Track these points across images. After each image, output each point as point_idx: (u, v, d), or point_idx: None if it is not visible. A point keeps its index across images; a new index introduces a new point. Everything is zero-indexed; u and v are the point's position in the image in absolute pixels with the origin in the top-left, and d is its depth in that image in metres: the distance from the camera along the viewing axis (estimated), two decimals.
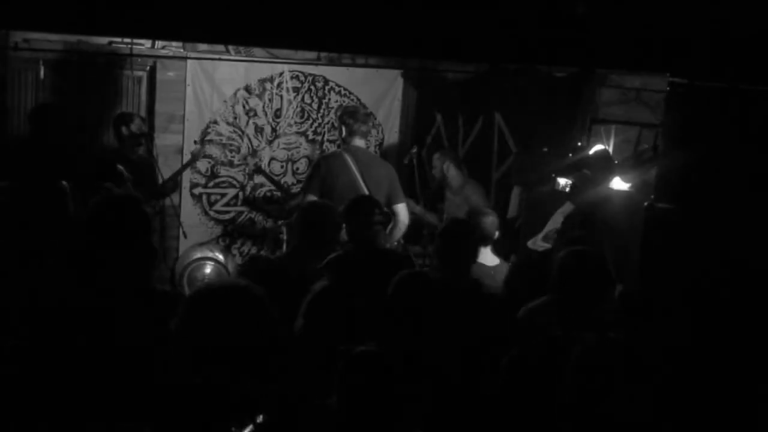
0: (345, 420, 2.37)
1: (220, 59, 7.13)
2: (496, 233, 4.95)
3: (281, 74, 7.53)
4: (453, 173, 6.58)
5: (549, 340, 3.00)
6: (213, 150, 7.40)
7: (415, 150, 6.89)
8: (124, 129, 6.21)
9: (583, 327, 2.70)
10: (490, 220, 4.88)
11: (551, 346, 2.80)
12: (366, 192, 5.46)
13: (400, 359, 2.50)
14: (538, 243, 5.38)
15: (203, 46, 7.16)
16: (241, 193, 7.62)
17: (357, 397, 2.37)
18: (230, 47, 7.22)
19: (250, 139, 7.52)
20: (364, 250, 4.36)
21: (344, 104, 7.59)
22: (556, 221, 5.75)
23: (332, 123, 7.72)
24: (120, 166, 5.85)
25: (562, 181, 5.33)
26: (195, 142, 7.15)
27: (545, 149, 5.91)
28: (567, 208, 5.73)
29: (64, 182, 3.93)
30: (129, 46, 6.60)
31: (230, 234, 7.64)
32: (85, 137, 6.76)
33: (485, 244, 4.78)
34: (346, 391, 2.39)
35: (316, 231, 4.26)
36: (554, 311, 3.31)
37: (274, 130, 7.61)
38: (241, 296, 2.45)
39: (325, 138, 7.83)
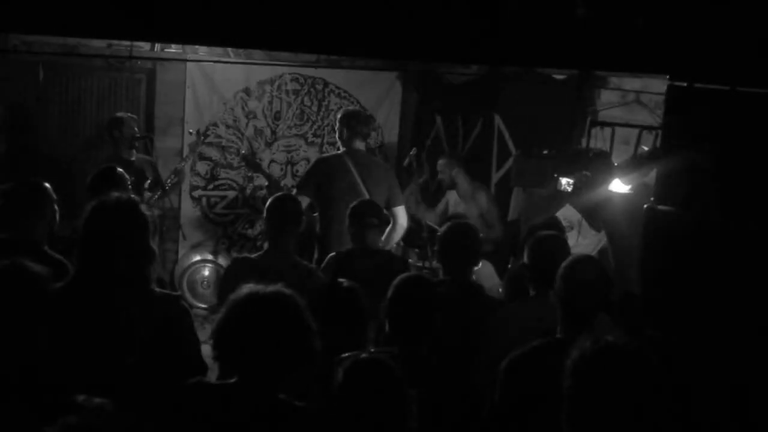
0: (340, 426, 2.36)
1: (219, 62, 7.13)
2: None
3: (281, 77, 7.53)
4: (462, 180, 6.47)
5: (549, 343, 3.00)
6: (212, 152, 7.40)
7: (414, 152, 6.86)
8: (116, 132, 6.20)
9: (583, 330, 2.69)
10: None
11: (551, 350, 2.79)
12: (366, 194, 5.46)
13: (399, 363, 2.49)
14: None
15: (203, 49, 7.16)
16: (240, 196, 7.62)
17: (356, 405, 2.36)
18: (230, 50, 7.22)
19: (249, 142, 7.52)
20: (357, 252, 4.52)
21: (344, 106, 7.59)
22: None
23: (332, 125, 7.71)
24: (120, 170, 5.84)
25: (564, 181, 5.27)
26: (190, 132, 7.08)
27: (545, 151, 5.89)
28: (567, 210, 5.72)
29: (46, 184, 3.95)
30: (128, 48, 6.59)
31: (230, 236, 7.64)
32: (83, 141, 6.76)
33: None
34: (346, 399, 2.37)
35: (280, 225, 4.20)
36: (556, 314, 3.31)
37: (273, 132, 7.62)
38: (284, 305, 2.45)
39: (325, 140, 7.83)
